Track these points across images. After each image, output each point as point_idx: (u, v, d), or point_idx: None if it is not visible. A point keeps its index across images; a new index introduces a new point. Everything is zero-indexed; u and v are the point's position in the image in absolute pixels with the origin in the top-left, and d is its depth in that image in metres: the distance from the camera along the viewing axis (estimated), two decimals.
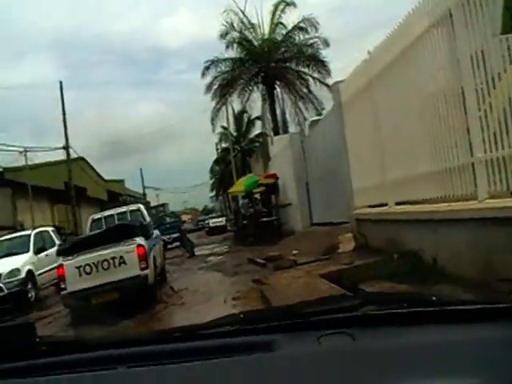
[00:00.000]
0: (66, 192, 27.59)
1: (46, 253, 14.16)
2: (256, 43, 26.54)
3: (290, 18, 25.91)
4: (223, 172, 41.70)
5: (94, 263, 8.88)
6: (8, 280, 12.32)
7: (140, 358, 1.07)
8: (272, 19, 26.21)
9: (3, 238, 14.79)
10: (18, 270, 12.58)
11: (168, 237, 22.05)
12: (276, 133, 25.27)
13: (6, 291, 12.12)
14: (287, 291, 6.79)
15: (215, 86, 26.57)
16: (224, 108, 28.86)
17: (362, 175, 9.10)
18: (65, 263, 9.07)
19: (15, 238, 14.68)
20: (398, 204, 7.44)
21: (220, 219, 38.84)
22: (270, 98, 26.79)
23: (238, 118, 36.73)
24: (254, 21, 26.32)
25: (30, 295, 12.66)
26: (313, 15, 25.26)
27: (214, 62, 26.36)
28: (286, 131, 24.78)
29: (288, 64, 26.60)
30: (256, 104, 27.75)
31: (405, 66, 6.73)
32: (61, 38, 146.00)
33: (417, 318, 1.03)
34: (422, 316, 1.03)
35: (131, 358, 1.08)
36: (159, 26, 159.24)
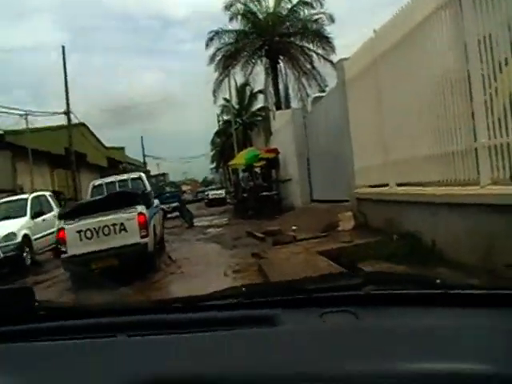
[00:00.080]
0: (66, 157, 27.56)
1: (43, 217, 14.12)
2: (260, 16, 26.23)
3: None
4: (224, 144, 41.52)
5: (94, 228, 8.99)
6: (4, 244, 12.26)
7: (140, 327, 1.06)
8: None
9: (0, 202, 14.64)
10: (14, 234, 12.52)
11: (168, 206, 22.14)
12: (278, 108, 25.14)
13: (1, 255, 12.09)
14: (286, 267, 6.85)
15: (218, 58, 26.37)
16: (226, 80, 28.60)
17: (363, 154, 9.12)
18: (66, 227, 9.18)
19: (12, 201, 14.52)
20: (399, 185, 7.46)
21: (220, 191, 38.81)
22: (273, 72, 26.58)
23: (241, 90, 36.40)
24: None
25: (26, 260, 12.61)
26: None
27: (218, 34, 26.10)
28: (288, 106, 24.67)
29: (292, 39, 26.33)
30: (259, 77, 27.53)
31: (411, 47, 6.70)
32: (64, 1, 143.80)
33: (420, 300, 1.03)
34: (426, 298, 1.03)
35: (131, 326, 1.07)
36: None
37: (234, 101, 37.47)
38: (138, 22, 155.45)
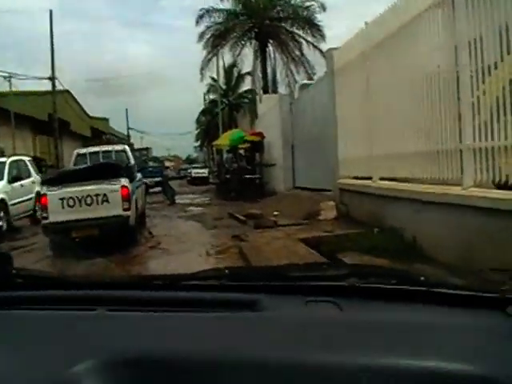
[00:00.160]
0: (49, 123, 27.21)
1: (20, 183, 13.82)
2: None
3: None
4: (209, 123, 41.34)
5: (77, 197, 9.01)
6: None
7: (121, 302, 1.05)
8: None
9: None
10: None
11: (150, 180, 22.07)
12: (265, 91, 25.21)
13: None
14: (266, 251, 6.90)
15: (208, 36, 26.34)
16: (214, 59, 28.55)
17: (348, 145, 9.16)
18: (48, 193, 9.18)
19: None
20: (382, 179, 7.54)
21: (203, 170, 38.59)
22: (261, 55, 26.59)
23: (228, 71, 36.23)
24: None
25: (2, 225, 12.29)
26: None
27: (209, 12, 26.08)
28: (275, 91, 24.72)
29: (283, 24, 26.38)
30: (247, 59, 27.57)
31: (402, 42, 6.73)
32: None
33: (404, 296, 1.03)
34: (410, 294, 1.03)
35: (111, 300, 1.06)
36: None
37: (222, 81, 37.33)
38: None
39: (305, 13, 25.41)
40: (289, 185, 16.75)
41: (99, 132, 37.63)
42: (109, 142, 24.56)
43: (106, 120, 43.04)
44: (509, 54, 4.63)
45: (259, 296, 1.02)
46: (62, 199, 9.01)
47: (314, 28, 25.28)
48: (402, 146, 6.83)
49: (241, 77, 36.46)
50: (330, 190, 10.51)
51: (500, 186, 4.73)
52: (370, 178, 7.99)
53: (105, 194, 9.09)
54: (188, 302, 1.02)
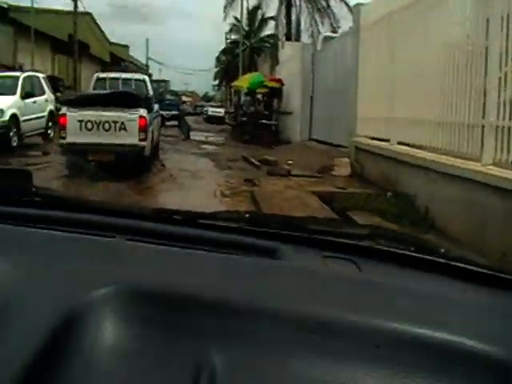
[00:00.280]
0: (69, 44, 26.96)
1: (33, 99, 13.59)
2: None
3: None
4: (229, 64, 40.60)
5: (95, 121, 9.21)
6: None
7: (139, 232, 1.02)
8: None
9: None
10: (1, 111, 11.93)
11: (167, 113, 22.03)
12: (288, 39, 24.78)
13: None
14: (278, 199, 6.93)
15: None
16: None
17: (368, 105, 9.10)
18: (68, 113, 9.37)
19: (2, 77, 13.58)
20: (399, 143, 7.54)
21: (219, 109, 38.06)
22: (287, 0, 25.88)
23: (252, 13, 35.32)
24: None
25: (12, 140, 12.10)
26: None
27: None
28: (297, 40, 24.34)
29: None
30: (273, 3, 27.00)
31: (433, 8, 6.60)
32: None
33: (422, 265, 1.00)
34: (428, 264, 1.00)
35: (130, 230, 1.03)
36: None
37: (244, 22, 36.50)
38: None
39: None
40: (305, 136, 16.75)
41: (118, 58, 37.19)
42: (127, 70, 24.39)
43: (126, 47, 42.47)
44: None
45: (278, 244, 1.00)
46: (80, 121, 9.21)
47: None
48: (423, 112, 6.78)
49: (264, 21, 35.61)
50: (345, 147, 10.53)
51: None
52: (387, 141, 7.95)
53: (123, 123, 9.28)
54: (206, 241, 1.00)
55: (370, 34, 9.15)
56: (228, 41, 42.85)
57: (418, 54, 7.04)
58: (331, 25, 25.23)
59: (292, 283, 0.85)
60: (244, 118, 20.05)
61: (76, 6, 26.31)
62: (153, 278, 0.79)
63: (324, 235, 1.08)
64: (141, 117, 9.41)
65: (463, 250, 4.16)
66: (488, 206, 4.81)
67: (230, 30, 40.58)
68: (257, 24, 37.40)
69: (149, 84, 13.37)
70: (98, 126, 9.21)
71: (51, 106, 14.95)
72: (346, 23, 16.99)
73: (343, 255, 1.00)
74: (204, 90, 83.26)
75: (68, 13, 26.70)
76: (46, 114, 14.30)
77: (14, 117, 12.27)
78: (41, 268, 0.80)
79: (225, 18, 29.08)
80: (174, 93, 33.22)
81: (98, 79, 12.94)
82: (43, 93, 14.55)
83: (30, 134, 13.34)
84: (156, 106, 12.42)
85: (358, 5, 10.22)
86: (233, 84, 26.34)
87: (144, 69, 43.68)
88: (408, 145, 7.24)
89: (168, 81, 40.37)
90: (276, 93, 19.64)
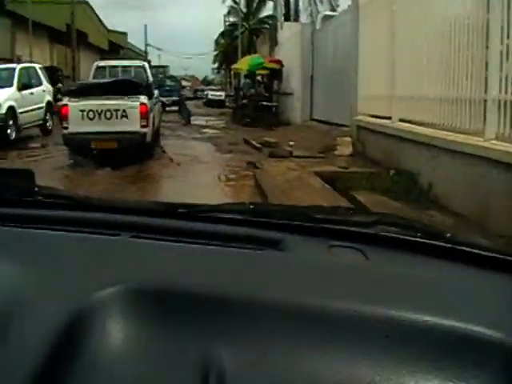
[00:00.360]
0: (66, 34, 26.85)
1: (31, 91, 13.43)
2: None
3: None
4: (228, 46, 40.53)
5: (97, 110, 9.27)
6: None
7: (144, 228, 1.01)
8: None
9: None
10: None
11: (167, 99, 21.95)
12: (286, 19, 24.75)
13: None
14: (280, 181, 6.91)
15: None
16: None
17: (369, 83, 9.04)
18: (70, 104, 9.41)
19: None
20: (401, 121, 7.49)
21: (219, 93, 37.78)
22: None
23: None
24: None
25: (10, 134, 11.89)
26: None
27: None
28: (296, 20, 24.35)
29: None
30: None
31: None
32: None
33: (429, 251, 0.99)
34: (435, 250, 0.99)
35: (135, 227, 1.02)
36: None
37: (243, 4, 36.32)
38: None
39: None
40: (305, 116, 16.69)
41: (117, 46, 37.10)
42: (126, 57, 24.31)
43: (124, 34, 42.20)
44: None
45: (283, 235, 0.99)
46: (82, 111, 9.27)
47: None
48: (424, 89, 6.74)
49: (262, 1, 35.55)
50: (347, 126, 10.50)
51: None
52: (388, 118, 7.92)
53: (124, 110, 9.34)
54: (212, 235, 0.99)
55: (369, 10, 9.06)
56: (227, 23, 42.75)
57: (418, 30, 6.98)
58: (330, 3, 25.10)
59: (298, 274, 0.85)
60: (244, 101, 19.95)
61: None
62: (160, 276, 0.79)
63: (330, 224, 1.07)
64: (142, 104, 9.46)
65: (467, 225, 4.16)
66: (491, 181, 4.80)
67: (229, 13, 40.52)
68: (255, 5, 37.27)
69: (148, 70, 13.44)
70: (100, 114, 9.27)
71: (49, 97, 14.82)
72: (345, 1, 16.81)
73: (350, 243, 0.99)
74: (203, 74, 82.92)
75: (65, 2, 26.54)
76: (43, 105, 14.18)
77: (11, 109, 12.11)
78: (46, 269, 0.80)
79: (223, 0, 28.82)
80: (174, 78, 32.97)
81: (98, 68, 13.01)
82: (40, 84, 14.42)
83: (28, 125, 13.24)
84: (156, 92, 12.39)
85: None
86: (232, 67, 26.22)
87: (143, 55, 43.52)
88: (410, 122, 7.20)
89: (167, 66, 40.07)
90: (276, 74, 19.53)
